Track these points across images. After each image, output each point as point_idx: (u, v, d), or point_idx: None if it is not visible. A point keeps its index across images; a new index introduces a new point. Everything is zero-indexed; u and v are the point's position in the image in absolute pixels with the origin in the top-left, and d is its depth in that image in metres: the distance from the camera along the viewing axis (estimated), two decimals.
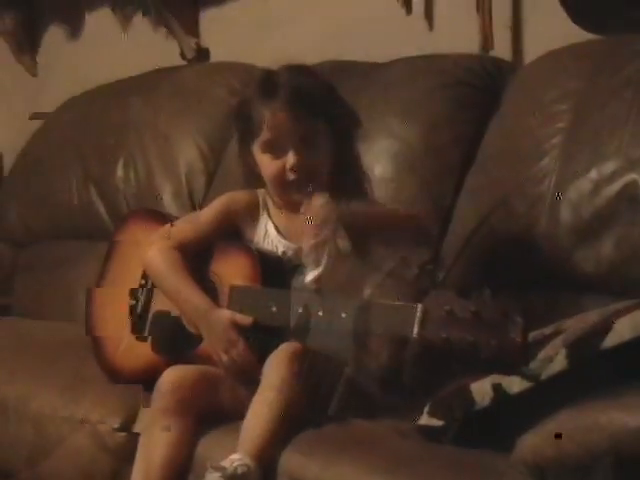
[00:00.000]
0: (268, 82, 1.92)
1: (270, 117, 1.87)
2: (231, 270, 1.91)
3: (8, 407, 2.15)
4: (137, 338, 2.03)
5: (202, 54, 3.14)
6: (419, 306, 1.61)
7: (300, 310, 1.77)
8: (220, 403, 1.84)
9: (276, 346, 1.78)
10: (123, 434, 1.94)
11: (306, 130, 1.87)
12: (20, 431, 2.11)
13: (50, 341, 2.53)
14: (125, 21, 3.31)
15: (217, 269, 1.94)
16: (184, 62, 3.16)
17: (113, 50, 3.36)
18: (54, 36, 3.61)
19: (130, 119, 2.96)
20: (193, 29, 3.14)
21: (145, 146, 2.90)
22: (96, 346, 2.12)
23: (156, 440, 1.80)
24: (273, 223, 1.96)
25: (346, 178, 1.92)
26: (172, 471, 1.78)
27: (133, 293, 2.06)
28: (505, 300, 1.55)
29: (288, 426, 1.70)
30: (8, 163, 3.55)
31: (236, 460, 1.64)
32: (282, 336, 1.80)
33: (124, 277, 2.10)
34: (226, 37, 3.07)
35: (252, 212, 1.98)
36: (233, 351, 1.84)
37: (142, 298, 2.05)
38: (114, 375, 2.07)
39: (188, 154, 2.81)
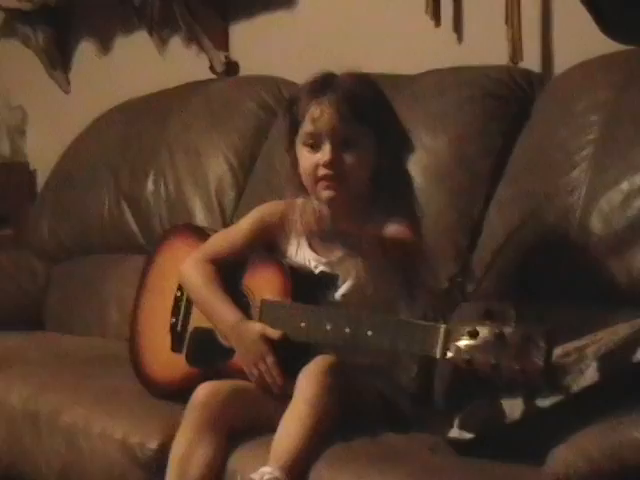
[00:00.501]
0: (323, 80, 1.92)
1: (315, 110, 1.88)
2: (263, 284, 1.91)
3: (40, 420, 2.17)
4: (173, 350, 2.04)
5: (232, 68, 3.16)
6: (442, 327, 1.61)
7: (329, 327, 1.77)
8: (252, 417, 1.85)
9: (306, 361, 1.78)
10: (154, 447, 1.94)
11: (347, 132, 1.87)
12: (52, 444, 2.12)
13: (83, 356, 2.55)
14: (161, 44, 3.34)
15: (250, 283, 1.95)
16: (214, 76, 3.18)
17: (144, 66, 3.38)
18: (86, 53, 3.64)
19: (160, 133, 2.97)
20: (223, 43, 3.16)
21: (175, 160, 2.91)
22: (134, 358, 2.13)
23: (188, 456, 1.80)
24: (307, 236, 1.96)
25: (387, 196, 1.91)
26: None
27: (173, 311, 2.07)
28: (530, 323, 1.54)
29: (319, 440, 1.70)
30: (41, 179, 3.59)
31: (267, 473, 1.65)
32: (311, 352, 1.80)
33: (162, 290, 2.11)
34: (255, 51, 3.08)
35: (288, 224, 1.97)
36: (262, 364, 1.85)
37: (181, 316, 2.06)
38: (151, 387, 2.09)
39: (218, 168, 2.81)
